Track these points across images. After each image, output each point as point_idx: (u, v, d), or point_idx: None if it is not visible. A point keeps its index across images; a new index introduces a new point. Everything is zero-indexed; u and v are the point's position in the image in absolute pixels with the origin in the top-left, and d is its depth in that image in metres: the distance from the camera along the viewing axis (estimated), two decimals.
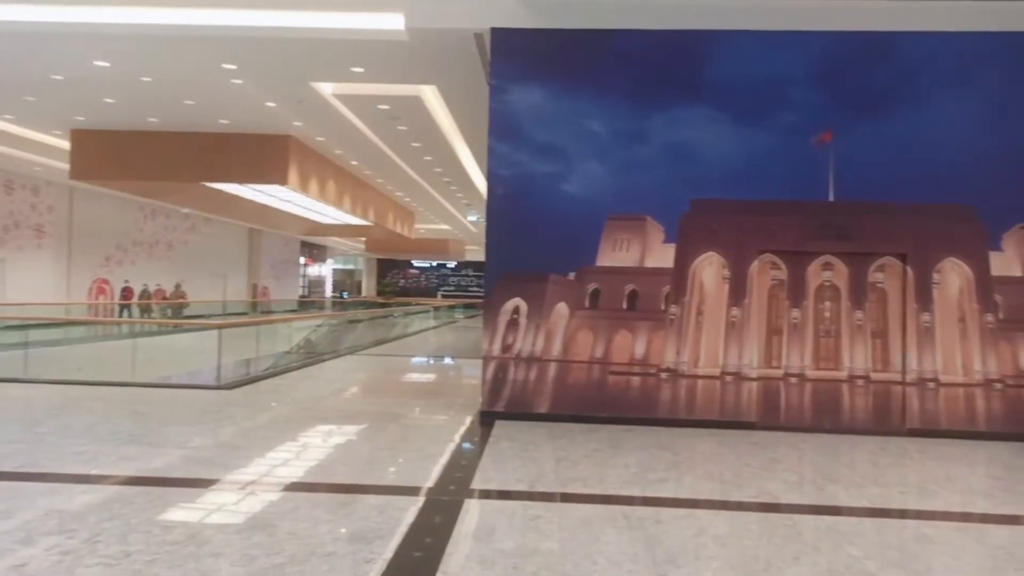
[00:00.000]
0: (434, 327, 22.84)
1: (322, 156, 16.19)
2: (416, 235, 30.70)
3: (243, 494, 4.11)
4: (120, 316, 20.77)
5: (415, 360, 13.34)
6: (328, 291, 45.51)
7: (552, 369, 6.70)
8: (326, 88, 10.55)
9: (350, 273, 50.23)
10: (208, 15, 7.51)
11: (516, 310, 6.78)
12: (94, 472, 4.45)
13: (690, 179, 6.69)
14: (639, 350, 6.63)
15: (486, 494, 4.23)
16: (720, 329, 6.55)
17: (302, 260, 40.32)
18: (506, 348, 6.74)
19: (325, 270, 45.59)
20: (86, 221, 21.36)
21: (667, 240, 6.71)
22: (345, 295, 45.34)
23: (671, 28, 6.68)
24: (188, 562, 3.04)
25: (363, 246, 39.39)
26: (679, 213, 6.67)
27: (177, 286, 24.61)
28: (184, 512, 3.80)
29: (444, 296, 45.22)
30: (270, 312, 28.26)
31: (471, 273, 49.73)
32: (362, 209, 20.49)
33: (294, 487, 4.30)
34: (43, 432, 5.74)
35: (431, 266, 49.83)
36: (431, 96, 10.88)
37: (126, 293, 22.39)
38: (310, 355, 12.08)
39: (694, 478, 4.72)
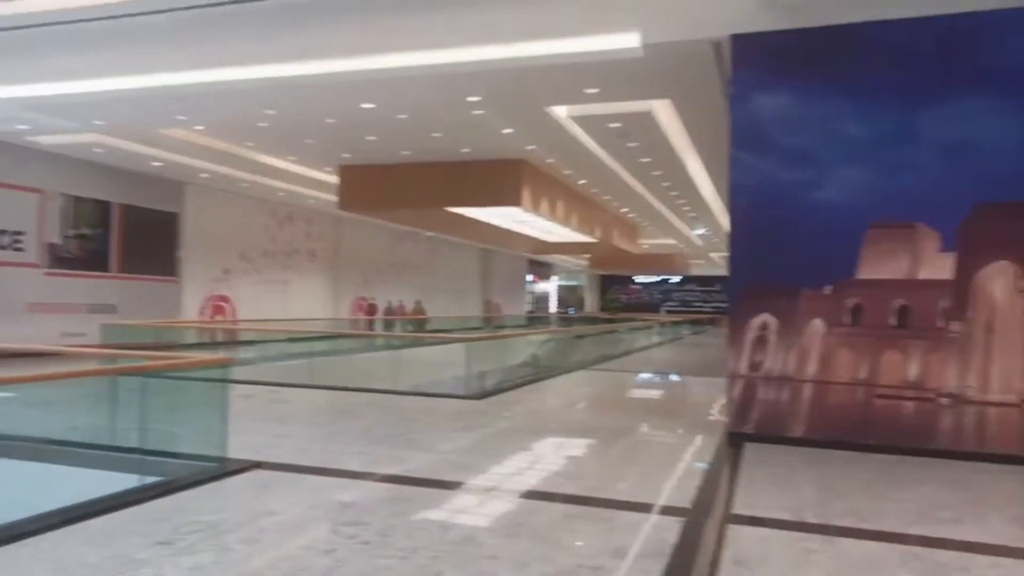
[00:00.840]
0: (659, 343, 22.50)
1: (552, 177, 16.75)
2: (639, 250, 30.52)
3: (507, 500, 4.32)
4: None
5: (644, 377, 13.22)
6: (553, 307, 46.84)
7: (808, 390, 6.23)
8: (560, 111, 10.92)
9: (573, 289, 51.25)
10: (458, 54, 8.12)
11: (764, 326, 6.42)
12: (376, 471, 4.93)
13: (971, 180, 5.88)
14: (912, 371, 5.93)
15: (748, 520, 4.02)
16: (1018, 349, 5.64)
17: (529, 277, 41.99)
18: (754, 366, 6.40)
19: (550, 287, 47.03)
20: (349, 246, 24.20)
21: (943, 249, 5.96)
22: (572, 311, 46.32)
23: (940, 13, 5.96)
24: (469, 563, 3.25)
25: (586, 262, 40.00)
26: (958, 218, 5.89)
27: (417, 303, 26.91)
28: (458, 513, 4.09)
29: (668, 312, 44.31)
30: (502, 327, 29.71)
31: (695, 288, 48.22)
32: (589, 226, 20.85)
33: (554, 497, 4.42)
34: (331, 432, 6.54)
35: (654, 281, 49.13)
36: (662, 110, 10.79)
37: (370, 309, 25.03)
38: (543, 369, 12.48)
39: (1001, 521, 4.09)
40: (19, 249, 13.77)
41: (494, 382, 10.33)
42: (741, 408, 6.40)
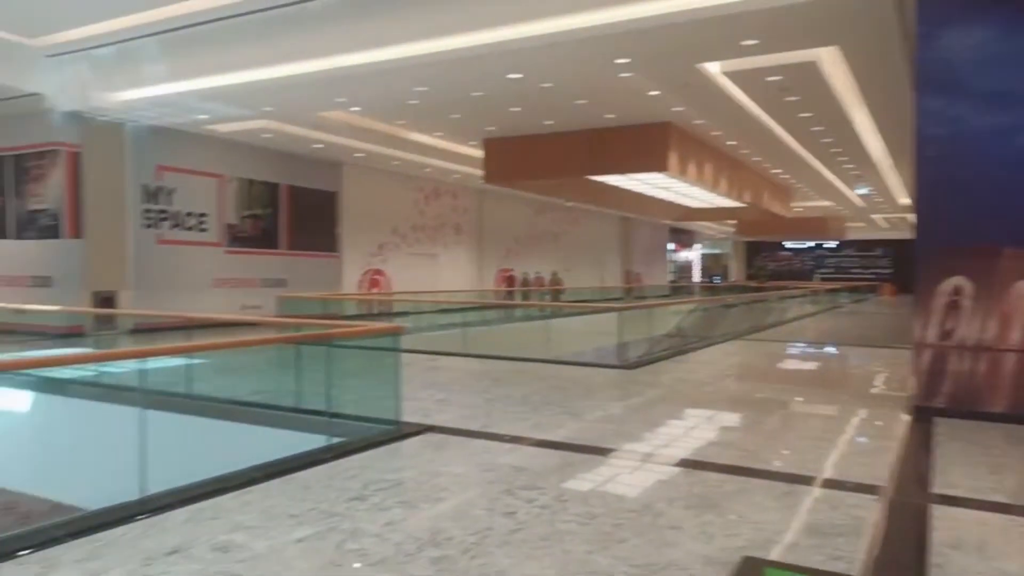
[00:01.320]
0: (813, 313, 21.20)
1: (699, 140, 16.08)
2: (791, 213, 28.77)
3: (677, 470, 4.21)
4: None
5: (800, 348, 12.49)
6: (696, 276, 45.44)
7: (1010, 361, 5.58)
8: (712, 67, 10.39)
9: (716, 258, 49.42)
10: (607, 15, 7.91)
11: (957, 291, 5.80)
12: (540, 436, 4.97)
13: None
14: None
15: (954, 501, 3.66)
16: None
17: (670, 246, 40.91)
18: (944, 335, 5.82)
19: (692, 255, 45.59)
20: (492, 219, 24.66)
21: None
22: (717, 279, 44.74)
23: None
24: (651, 531, 3.18)
25: (732, 228, 38.34)
26: None
27: (554, 274, 27.01)
28: (629, 481, 4.03)
29: (822, 279, 41.63)
30: (643, 297, 29.22)
31: (852, 253, 44.98)
32: (737, 190, 19.88)
33: (729, 469, 4.23)
34: (491, 399, 6.69)
35: (805, 247, 46.25)
36: (827, 59, 9.96)
37: (510, 281, 25.45)
38: (692, 339, 12.10)
39: None
40: (204, 230, 15.17)
41: (643, 352, 10.15)
42: (930, 380, 5.85)
